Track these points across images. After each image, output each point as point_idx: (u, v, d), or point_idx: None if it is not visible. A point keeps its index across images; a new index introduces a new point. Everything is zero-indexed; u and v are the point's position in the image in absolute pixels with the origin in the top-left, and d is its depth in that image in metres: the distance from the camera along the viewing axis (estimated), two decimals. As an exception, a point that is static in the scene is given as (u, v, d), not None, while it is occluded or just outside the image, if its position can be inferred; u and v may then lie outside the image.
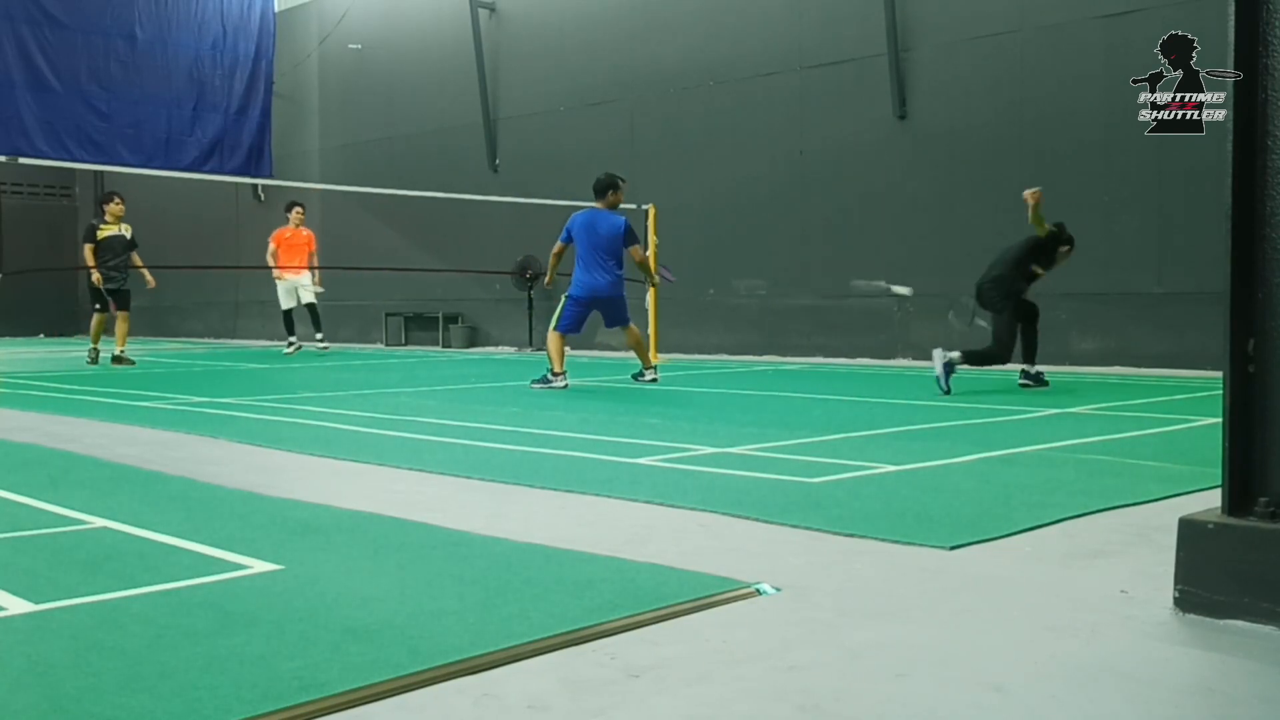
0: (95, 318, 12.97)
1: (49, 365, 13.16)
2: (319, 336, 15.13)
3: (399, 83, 18.15)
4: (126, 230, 12.67)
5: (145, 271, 13.37)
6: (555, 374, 8.98)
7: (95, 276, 12.56)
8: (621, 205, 9.46)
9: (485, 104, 16.80)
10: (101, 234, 12.49)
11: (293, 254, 14.77)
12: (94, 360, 12.85)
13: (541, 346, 15.94)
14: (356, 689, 2.04)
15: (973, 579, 2.86)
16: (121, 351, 12.57)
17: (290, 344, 14.91)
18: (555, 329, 9.15)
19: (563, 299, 9.31)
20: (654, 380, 9.34)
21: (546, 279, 9.71)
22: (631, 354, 10.01)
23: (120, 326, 12.66)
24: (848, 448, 5.27)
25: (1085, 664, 2.19)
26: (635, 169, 14.99)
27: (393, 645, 2.29)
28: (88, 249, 12.51)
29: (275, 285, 15.10)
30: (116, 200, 12.69)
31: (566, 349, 9.27)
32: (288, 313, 15.02)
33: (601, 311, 9.40)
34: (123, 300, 12.68)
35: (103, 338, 13.20)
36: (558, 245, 9.28)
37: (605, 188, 9.24)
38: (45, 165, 18.49)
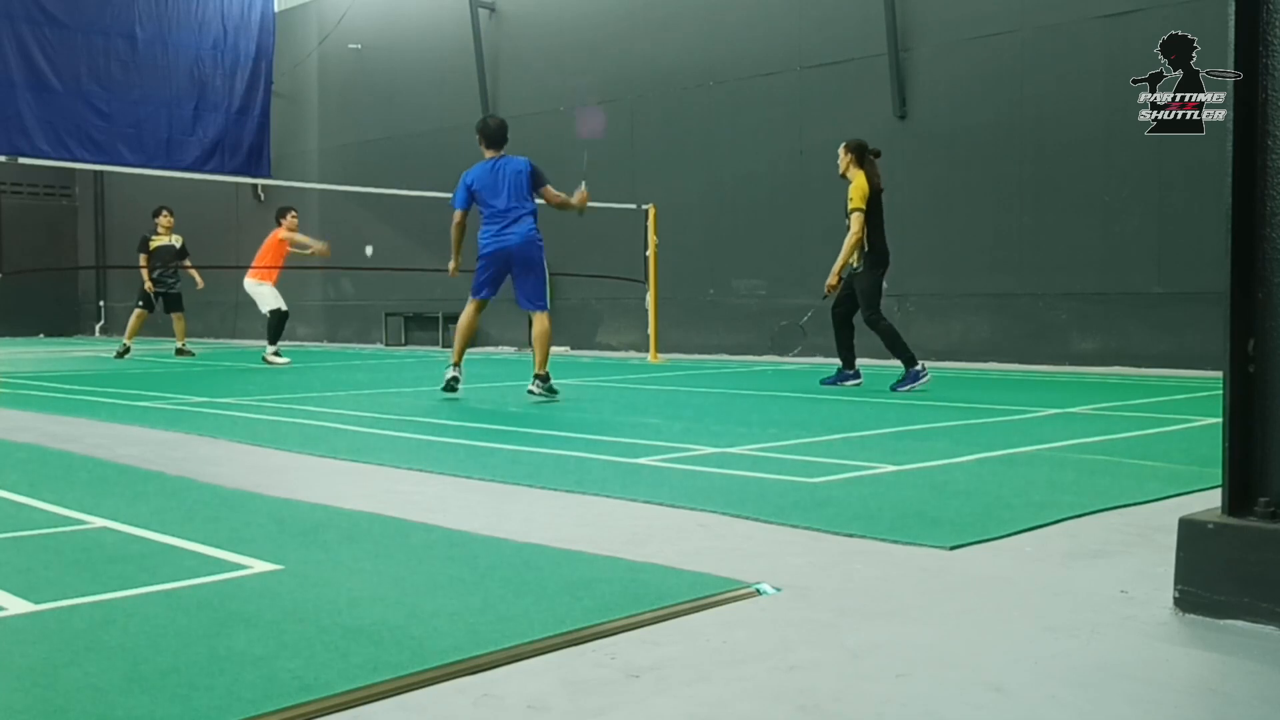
0: (136, 314, 14.19)
1: (49, 365, 13.16)
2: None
3: (399, 83, 18.15)
4: (177, 240, 14.35)
5: (195, 274, 14.92)
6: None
7: (148, 284, 14.08)
8: (622, 205, 9.18)
9: (485, 104, 16.79)
10: (154, 244, 14.17)
11: (280, 259, 13.51)
12: (122, 355, 13.85)
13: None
14: (356, 689, 2.04)
15: (973, 579, 2.86)
16: (183, 344, 14.47)
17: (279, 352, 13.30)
18: None
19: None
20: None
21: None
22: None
23: (177, 325, 14.52)
24: (848, 448, 5.27)
25: (1085, 664, 2.19)
26: (635, 169, 15.02)
27: (393, 645, 2.29)
28: (142, 257, 14.14)
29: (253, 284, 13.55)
30: (166, 213, 14.29)
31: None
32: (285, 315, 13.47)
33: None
34: (174, 303, 14.37)
35: (137, 336, 14.45)
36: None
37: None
38: (45, 165, 18.51)
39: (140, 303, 14.21)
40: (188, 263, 14.54)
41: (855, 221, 8.36)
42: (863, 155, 8.52)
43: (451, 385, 8.06)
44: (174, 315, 14.44)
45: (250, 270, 13.40)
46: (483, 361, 13.61)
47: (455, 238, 8.27)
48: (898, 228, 12.69)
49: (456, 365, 8.16)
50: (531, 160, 8.21)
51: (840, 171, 8.62)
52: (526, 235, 7.96)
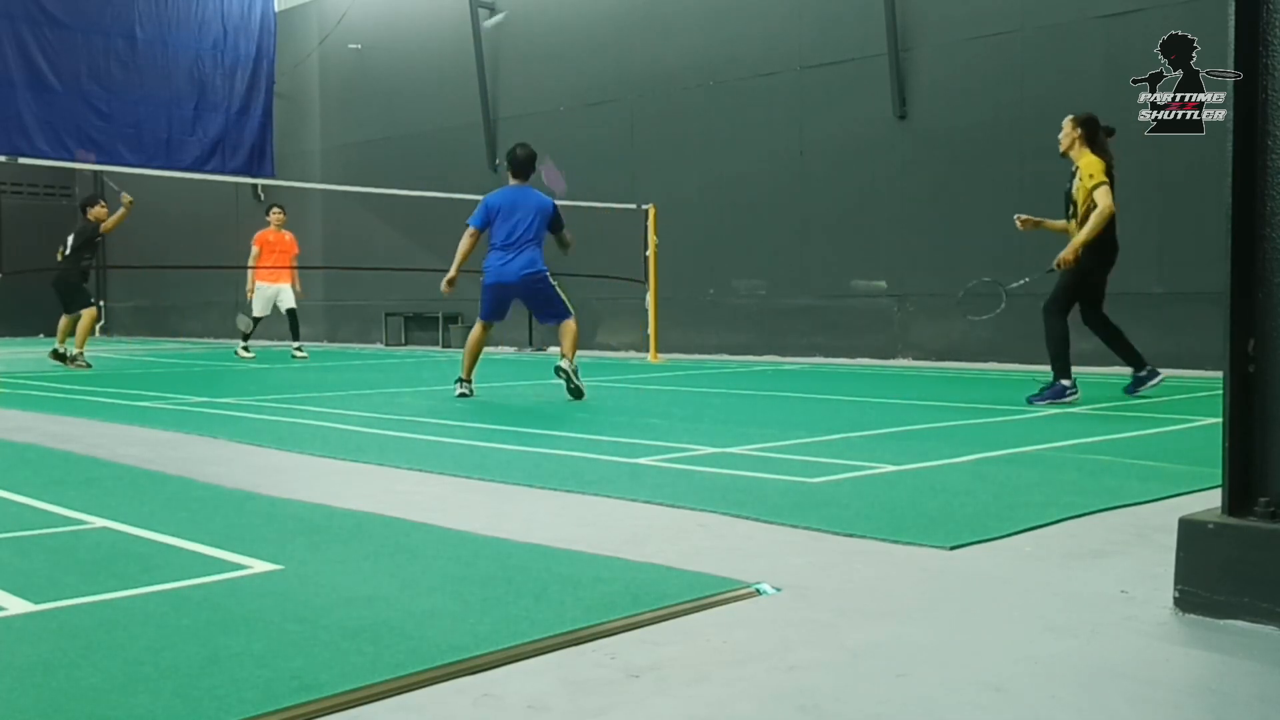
0: (87, 313, 12.63)
1: (49, 365, 13.15)
2: (298, 345, 14.22)
3: (399, 83, 18.15)
4: None
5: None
6: None
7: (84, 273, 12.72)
8: (622, 205, 9.22)
9: (485, 104, 16.79)
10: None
11: (275, 259, 14.14)
12: (70, 360, 12.45)
13: (540, 347, 15.95)
14: (356, 689, 2.04)
15: (973, 579, 2.86)
16: (79, 351, 12.53)
17: (247, 349, 14.21)
18: None
19: None
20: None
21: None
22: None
23: (77, 324, 12.58)
24: (848, 448, 5.27)
25: (1085, 664, 2.19)
26: (635, 169, 15.02)
27: (393, 645, 2.29)
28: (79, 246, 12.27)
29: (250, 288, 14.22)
30: (103, 204, 12.46)
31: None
32: (258, 320, 14.28)
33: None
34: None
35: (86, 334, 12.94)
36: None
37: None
38: (45, 165, 18.51)
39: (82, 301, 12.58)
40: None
41: (1103, 196, 7.48)
42: (1094, 133, 7.57)
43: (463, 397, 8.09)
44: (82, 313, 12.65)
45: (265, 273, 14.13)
46: (482, 362, 13.59)
47: (462, 250, 8.21)
48: (898, 227, 12.73)
49: (466, 381, 8.35)
50: (556, 204, 8.28)
51: (1062, 149, 7.74)
52: (526, 265, 8.02)
